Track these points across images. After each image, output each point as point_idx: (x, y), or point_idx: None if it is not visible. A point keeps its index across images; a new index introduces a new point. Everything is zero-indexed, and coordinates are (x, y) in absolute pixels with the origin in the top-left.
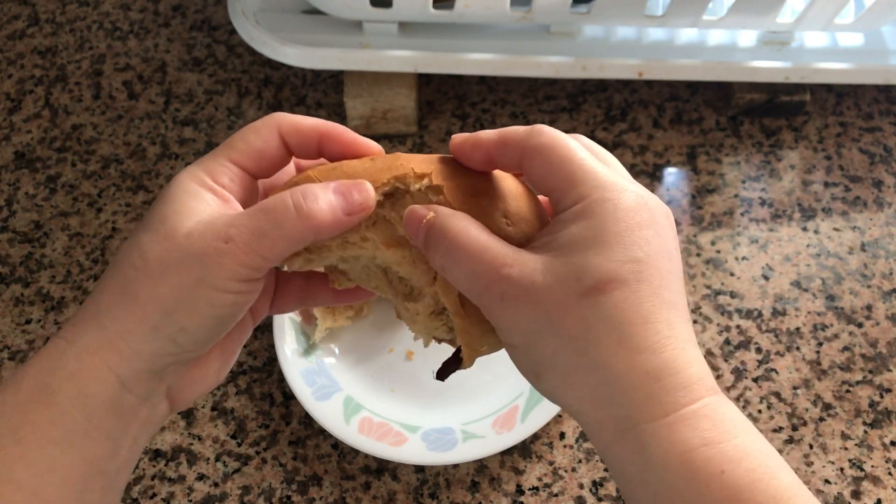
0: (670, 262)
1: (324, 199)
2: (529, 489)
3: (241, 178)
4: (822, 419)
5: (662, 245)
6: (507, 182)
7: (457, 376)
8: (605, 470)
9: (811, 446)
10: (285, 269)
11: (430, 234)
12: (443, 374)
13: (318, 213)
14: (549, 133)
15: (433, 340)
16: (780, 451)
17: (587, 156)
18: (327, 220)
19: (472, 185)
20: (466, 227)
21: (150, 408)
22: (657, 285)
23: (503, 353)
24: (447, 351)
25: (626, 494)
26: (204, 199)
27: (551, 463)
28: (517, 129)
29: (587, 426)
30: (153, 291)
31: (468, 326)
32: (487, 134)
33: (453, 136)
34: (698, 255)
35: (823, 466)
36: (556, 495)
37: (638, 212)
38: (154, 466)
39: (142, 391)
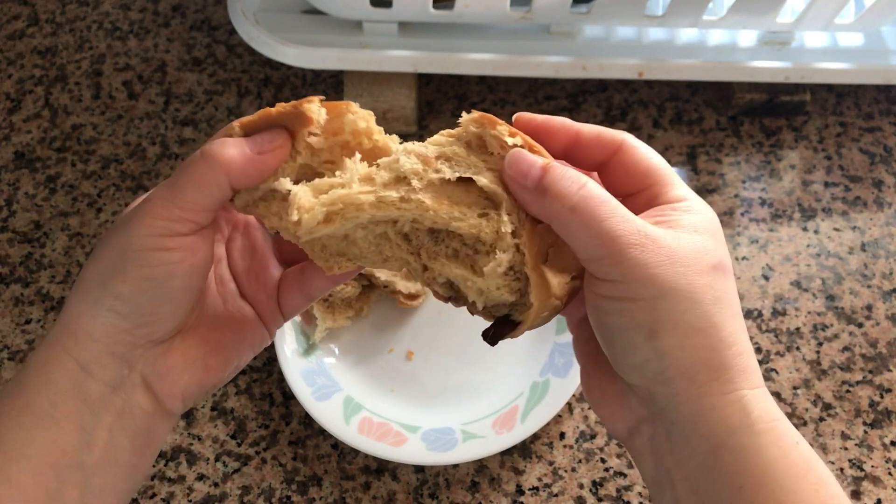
0: None
1: (232, 143)
2: (529, 489)
3: None
4: (822, 419)
5: None
6: None
7: (457, 376)
8: (606, 470)
9: (811, 446)
10: (301, 237)
11: (549, 179)
12: (495, 338)
13: (223, 154)
14: (636, 140)
15: (477, 310)
16: None
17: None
18: (236, 159)
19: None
20: (590, 179)
21: (123, 398)
22: (734, 281)
23: (503, 352)
24: (447, 350)
25: (704, 464)
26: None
27: (551, 463)
28: (608, 130)
29: (680, 391)
30: (92, 269)
31: (543, 284)
32: (579, 124)
33: (522, 114)
34: None
35: None
36: (556, 495)
37: (717, 218)
38: (154, 466)
39: (108, 377)
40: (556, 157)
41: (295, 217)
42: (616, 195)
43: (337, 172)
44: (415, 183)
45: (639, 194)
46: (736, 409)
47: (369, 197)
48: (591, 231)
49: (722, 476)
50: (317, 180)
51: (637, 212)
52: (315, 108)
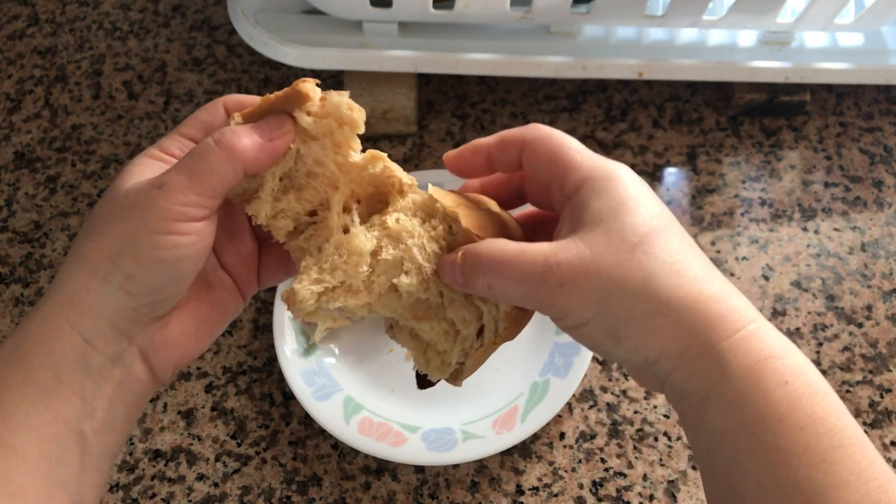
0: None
1: (244, 132)
2: (529, 489)
3: (183, 148)
4: None
5: (661, 203)
6: (493, 203)
7: None
8: (606, 470)
9: None
10: (299, 316)
11: (465, 267)
12: (424, 385)
13: (238, 143)
14: (544, 127)
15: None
16: None
17: (579, 145)
18: (250, 149)
19: (481, 215)
20: (496, 243)
21: (123, 369)
22: (679, 231)
23: (503, 352)
24: None
25: (696, 418)
26: (151, 166)
27: (551, 463)
28: (513, 129)
29: (666, 367)
30: (99, 245)
31: (476, 366)
32: (484, 138)
33: (447, 154)
34: None
35: None
36: (556, 495)
37: (636, 181)
38: (154, 466)
39: (109, 350)
40: (484, 175)
41: (297, 319)
42: (540, 187)
43: (338, 238)
44: (404, 298)
45: (552, 184)
46: (714, 366)
47: (363, 311)
48: (515, 293)
49: (709, 424)
50: (322, 286)
51: (558, 203)
52: (311, 85)
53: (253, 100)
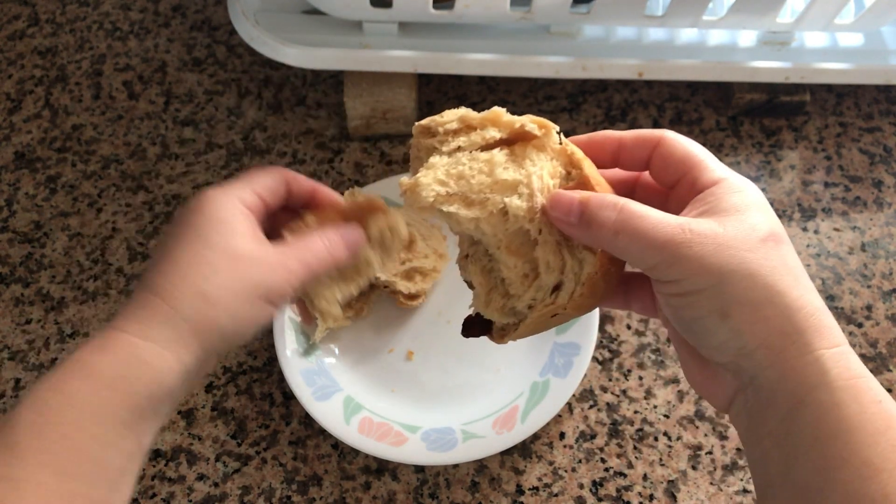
0: None
1: (340, 244)
2: (529, 489)
3: (258, 205)
4: None
5: None
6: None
7: (457, 376)
8: (606, 470)
9: None
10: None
11: (592, 208)
12: (469, 333)
13: (340, 254)
14: (676, 133)
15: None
16: None
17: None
18: (341, 257)
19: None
20: (628, 200)
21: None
22: (791, 245)
23: (503, 352)
24: (447, 350)
25: (785, 423)
26: (248, 218)
27: (551, 463)
28: (647, 129)
29: (762, 360)
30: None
31: (535, 329)
32: (618, 131)
33: (577, 137)
34: None
35: None
36: (556, 495)
37: (762, 194)
38: (154, 466)
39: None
40: (605, 167)
41: (410, 208)
42: (656, 191)
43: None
44: (509, 222)
45: (680, 182)
46: (814, 370)
47: (470, 225)
48: (640, 244)
49: (800, 429)
50: (445, 189)
51: (682, 199)
52: (380, 202)
53: (306, 182)
